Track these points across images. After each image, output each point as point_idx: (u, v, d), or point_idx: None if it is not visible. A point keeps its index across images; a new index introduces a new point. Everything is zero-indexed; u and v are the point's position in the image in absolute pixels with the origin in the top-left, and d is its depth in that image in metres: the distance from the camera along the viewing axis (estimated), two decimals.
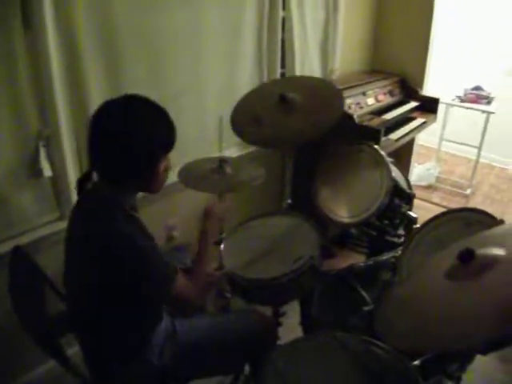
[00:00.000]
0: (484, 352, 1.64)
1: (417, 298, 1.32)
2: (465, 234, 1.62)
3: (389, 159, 2.13)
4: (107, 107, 1.41)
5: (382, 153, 2.09)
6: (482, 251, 1.19)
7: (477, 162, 4.65)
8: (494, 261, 1.16)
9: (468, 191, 4.64)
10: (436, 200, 4.43)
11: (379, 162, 2.07)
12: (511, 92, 4.90)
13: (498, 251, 1.18)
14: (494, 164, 5.42)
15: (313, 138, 1.85)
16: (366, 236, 2.45)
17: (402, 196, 2.09)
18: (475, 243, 1.27)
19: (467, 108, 4.55)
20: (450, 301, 1.17)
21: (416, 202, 4.29)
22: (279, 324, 2.07)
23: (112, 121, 1.38)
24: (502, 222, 1.64)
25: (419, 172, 4.74)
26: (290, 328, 2.15)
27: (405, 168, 4.20)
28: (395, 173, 2.09)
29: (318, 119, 1.89)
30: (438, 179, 4.83)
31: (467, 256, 1.18)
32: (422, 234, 1.83)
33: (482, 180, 5.06)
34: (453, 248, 1.30)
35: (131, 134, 1.37)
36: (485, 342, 1.06)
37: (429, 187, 4.72)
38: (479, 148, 4.55)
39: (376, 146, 2.15)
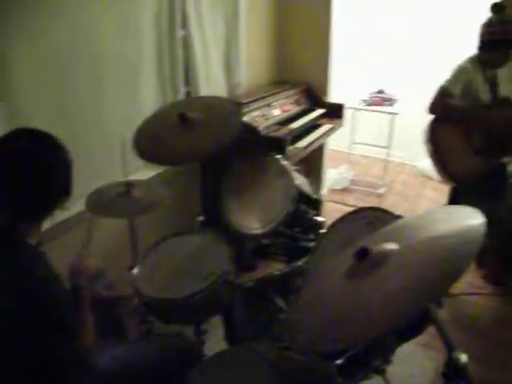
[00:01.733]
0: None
1: (320, 299, 1.36)
2: (368, 232, 1.69)
3: (293, 167, 2.20)
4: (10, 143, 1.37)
5: (285, 162, 2.15)
6: (376, 248, 1.24)
7: (387, 161, 4.87)
8: (387, 256, 1.22)
9: (382, 190, 4.84)
10: (352, 202, 4.58)
11: (283, 171, 2.13)
12: (413, 93, 5.18)
13: (392, 246, 1.25)
14: (405, 162, 5.68)
15: (214, 153, 1.88)
16: (282, 244, 2.50)
17: (309, 202, 2.16)
18: (372, 241, 1.33)
19: (373, 111, 4.77)
20: (348, 299, 1.22)
21: (333, 205, 4.46)
22: (202, 342, 2.07)
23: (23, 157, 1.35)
24: (399, 217, 1.73)
25: (333, 176, 4.89)
26: (216, 344, 2.15)
27: (318, 173, 4.34)
28: (300, 180, 2.16)
29: (217, 135, 1.92)
30: (352, 182, 5.01)
31: (362, 254, 1.23)
32: (328, 237, 1.89)
33: (394, 178, 5.30)
34: (352, 248, 1.35)
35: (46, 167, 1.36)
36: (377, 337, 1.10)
37: (344, 190, 4.88)
38: (388, 148, 4.77)
39: (278, 156, 2.21)
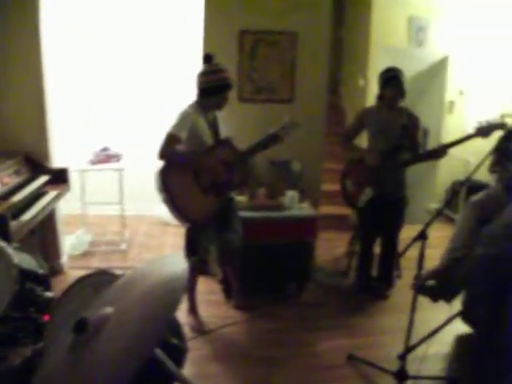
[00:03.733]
0: None
1: (49, 381, 1.30)
2: (94, 299, 1.68)
3: (14, 245, 2.07)
4: None
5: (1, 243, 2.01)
6: (93, 316, 1.25)
7: (124, 216, 4.90)
8: (105, 321, 1.23)
9: (124, 246, 4.85)
10: (96, 264, 4.48)
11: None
12: (139, 145, 5.38)
13: (108, 310, 1.26)
14: (143, 213, 5.79)
15: None
16: (22, 328, 2.31)
17: (36, 278, 2.05)
18: (92, 309, 1.33)
19: (100, 169, 4.77)
20: (74, 375, 1.19)
21: (76, 272, 4.28)
22: None
23: None
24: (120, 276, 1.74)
25: (71, 242, 4.73)
26: None
27: (54, 242, 4.14)
28: (21, 258, 2.04)
29: None
30: (92, 244, 4.91)
31: (80, 326, 1.22)
32: (57, 312, 1.82)
33: (135, 231, 5.36)
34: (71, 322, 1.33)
35: None
36: None
37: (86, 254, 4.74)
38: (121, 203, 4.81)
39: None
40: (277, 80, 4.25)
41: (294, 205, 3.92)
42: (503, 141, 2.89)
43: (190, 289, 3.45)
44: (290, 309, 3.78)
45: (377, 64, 5.46)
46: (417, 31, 5.99)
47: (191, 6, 4.55)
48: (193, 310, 3.51)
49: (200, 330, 3.39)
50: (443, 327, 2.80)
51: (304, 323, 3.59)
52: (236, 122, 3.73)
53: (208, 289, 3.96)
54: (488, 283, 2.78)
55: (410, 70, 4.26)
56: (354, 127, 4.01)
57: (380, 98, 3.82)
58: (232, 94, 3.52)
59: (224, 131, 3.32)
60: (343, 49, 7.06)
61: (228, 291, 3.84)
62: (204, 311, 3.59)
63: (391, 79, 3.68)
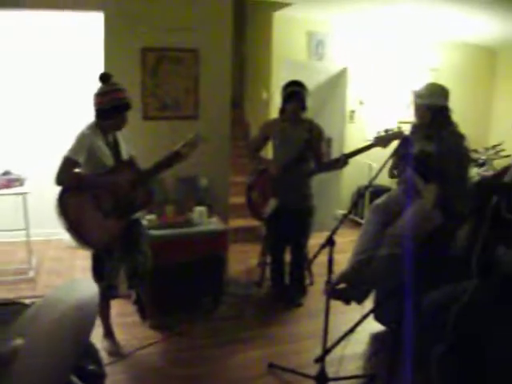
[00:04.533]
0: None
1: None
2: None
3: None
4: None
5: None
6: (2, 349, 1.20)
7: (30, 242, 4.70)
8: (14, 353, 1.19)
9: (31, 274, 4.64)
10: (3, 295, 4.23)
11: None
12: (42, 168, 5.18)
13: (17, 342, 1.22)
14: (50, 238, 5.58)
15: None
16: None
17: None
18: (0, 342, 1.28)
19: (0, 195, 4.55)
20: None
21: None
22: None
23: None
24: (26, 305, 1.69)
25: None
26: None
27: None
28: None
29: None
30: None
31: None
32: None
33: (42, 257, 5.16)
34: None
35: None
36: None
37: None
38: (27, 229, 4.61)
39: None
40: (181, 97, 4.28)
41: (203, 220, 3.95)
42: (400, 147, 3.08)
43: (103, 313, 3.36)
44: (207, 324, 3.79)
45: (279, 77, 5.64)
46: (316, 45, 6.25)
47: (92, 25, 4.46)
48: (108, 334, 3.42)
49: (118, 353, 3.31)
50: (356, 327, 2.91)
51: (222, 337, 3.61)
52: (141, 141, 3.73)
53: (122, 311, 3.88)
54: (394, 281, 2.93)
55: (311, 82, 4.43)
56: (259, 139, 4.12)
57: (282, 111, 3.95)
58: (136, 113, 3.50)
59: (127, 151, 3.26)
60: (246, 64, 7.19)
61: (143, 312, 3.79)
62: (120, 334, 3.51)
63: (292, 95, 3.81)
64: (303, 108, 3.88)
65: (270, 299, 4.28)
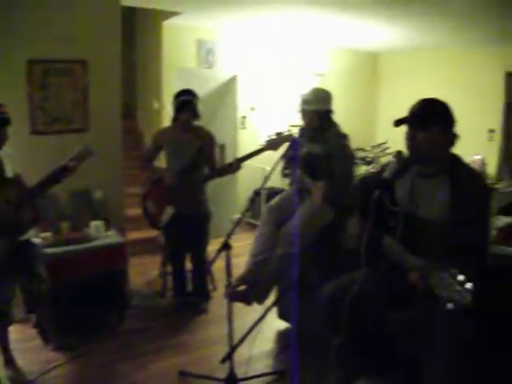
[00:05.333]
0: None
1: None
2: None
3: None
4: None
5: None
6: None
7: None
8: None
9: None
10: None
11: None
12: None
13: None
14: None
15: None
16: None
17: None
18: None
19: None
20: None
21: None
22: None
23: None
24: None
25: None
26: None
27: None
28: None
29: None
30: None
31: None
32: None
33: None
34: None
35: None
36: None
37: None
38: None
39: None
40: (71, 109, 4.16)
41: (100, 234, 3.87)
42: (288, 150, 3.23)
43: (0, 341, 3.18)
44: (114, 340, 3.70)
45: (170, 86, 5.67)
46: (206, 53, 6.34)
47: None
48: (9, 362, 3.21)
49: (21, 381, 3.11)
50: (258, 324, 3.01)
51: (131, 351, 3.55)
52: (29, 157, 3.59)
53: (22, 336, 3.65)
54: (290, 279, 3.05)
55: (202, 90, 4.49)
56: (152, 149, 4.13)
57: (175, 120, 3.98)
58: (22, 128, 3.35)
59: (13, 168, 3.10)
60: (137, 73, 7.13)
61: (45, 334, 3.60)
62: (22, 360, 3.29)
63: (185, 104, 3.86)
64: (196, 116, 3.95)
65: (175, 308, 4.28)
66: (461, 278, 1.63)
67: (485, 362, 2.49)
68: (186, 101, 3.87)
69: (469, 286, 1.60)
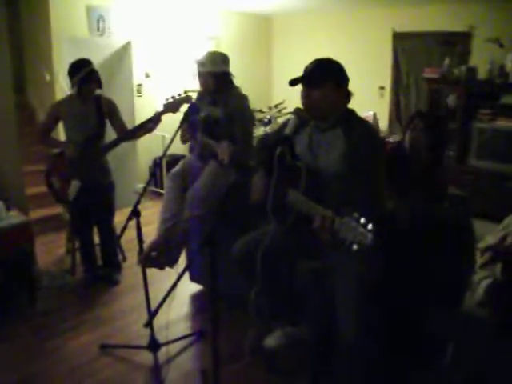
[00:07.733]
0: None
1: None
2: None
3: None
4: None
5: None
6: None
7: None
8: None
9: None
10: None
11: None
12: None
13: None
14: None
15: None
16: None
17: None
18: None
19: None
20: None
21: None
22: None
23: None
24: None
25: None
26: None
27: None
28: None
29: None
30: None
31: None
32: None
33: None
34: None
35: None
36: None
37: None
38: None
39: None
40: None
41: (2, 215, 3.69)
42: (187, 113, 3.24)
43: None
44: (27, 323, 3.58)
45: (62, 56, 5.44)
46: (97, 20, 6.07)
47: None
48: None
49: None
50: (174, 288, 3.08)
51: (47, 332, 3.47)
52: None
53: None
54: (198, 240, 3.12)
55: (96, 59, 4.31)
56: (49, 123, 3.96)
57: (79, 92, 3.81)
58: None
59: None
60: (25, 44, 6.65)
61: None
62: None
63: (91, 75, 3.74)
64: (100, 87, 3.88)
65: (86, 283, 4.21)
66: (362, 220, 1.77)
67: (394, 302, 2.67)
68: (91, 71, 3.75)
69: (369, 226, 1.75)
